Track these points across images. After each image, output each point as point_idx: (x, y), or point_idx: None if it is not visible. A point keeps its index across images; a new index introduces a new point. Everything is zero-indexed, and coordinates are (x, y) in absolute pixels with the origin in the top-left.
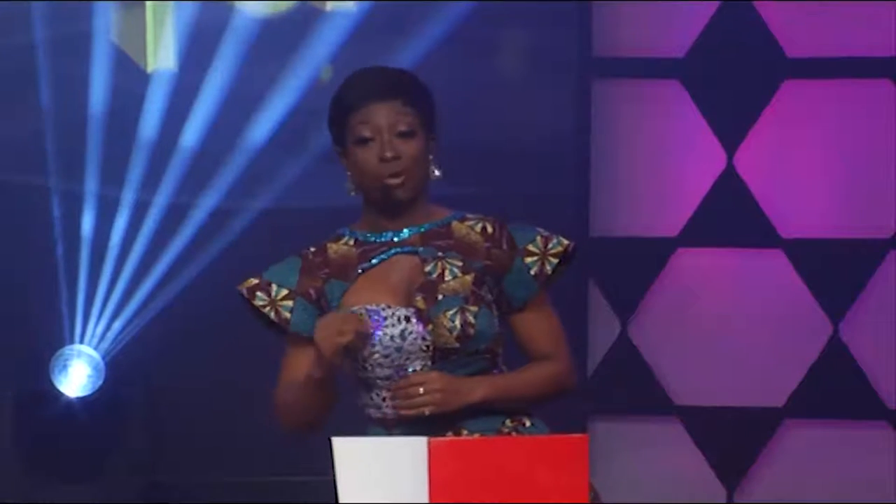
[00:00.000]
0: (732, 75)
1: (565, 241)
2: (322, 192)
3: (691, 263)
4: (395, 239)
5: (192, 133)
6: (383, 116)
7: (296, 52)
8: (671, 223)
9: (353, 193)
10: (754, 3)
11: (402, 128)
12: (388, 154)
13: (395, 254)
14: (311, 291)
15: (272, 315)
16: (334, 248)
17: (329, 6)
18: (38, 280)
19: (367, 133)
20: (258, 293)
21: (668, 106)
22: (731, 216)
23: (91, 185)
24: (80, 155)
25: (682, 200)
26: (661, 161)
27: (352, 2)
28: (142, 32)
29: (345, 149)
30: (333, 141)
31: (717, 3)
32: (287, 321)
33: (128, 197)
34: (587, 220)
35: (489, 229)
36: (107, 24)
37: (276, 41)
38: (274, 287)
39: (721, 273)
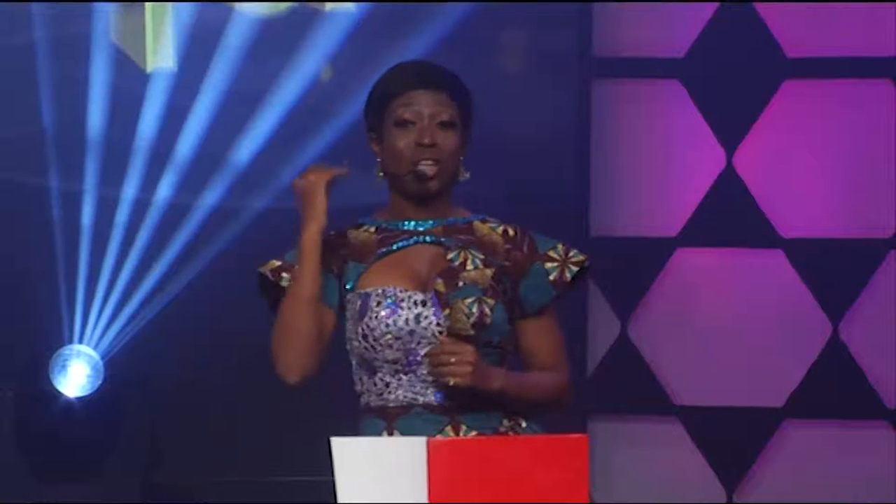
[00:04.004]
0: (732, 75)
1: (583, 255)
2: None
3: (691, 263)
4: (419, 228)
5: (191, 133)
6: (427, 104)
7: (296, 52)
8: (671, 223)
9: (380, 178)
10: (754, 3)
11: (445, 118)
12: (427, 140)
13: (417, 242)
14: (334, 268)
15: None
16: (354, 234)
17: (329, 6)
18: (38, 280)
19: (408, 116)
20: (283, 274)
21: (668, 106)
22: (730, 216)
23: (91, 185)
24: (80, 155)
25: (681, 200)
26: (660, 161)
27: (352, 2)
28: (141, 32)
29: (379, 134)
30: (368, 127)
31: (717, 3)
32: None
33: (127, 196)
34: (587, 220)
35: (510, 232)
36: (106, 25)
37: (276, 41)
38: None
39: (721, 273)
